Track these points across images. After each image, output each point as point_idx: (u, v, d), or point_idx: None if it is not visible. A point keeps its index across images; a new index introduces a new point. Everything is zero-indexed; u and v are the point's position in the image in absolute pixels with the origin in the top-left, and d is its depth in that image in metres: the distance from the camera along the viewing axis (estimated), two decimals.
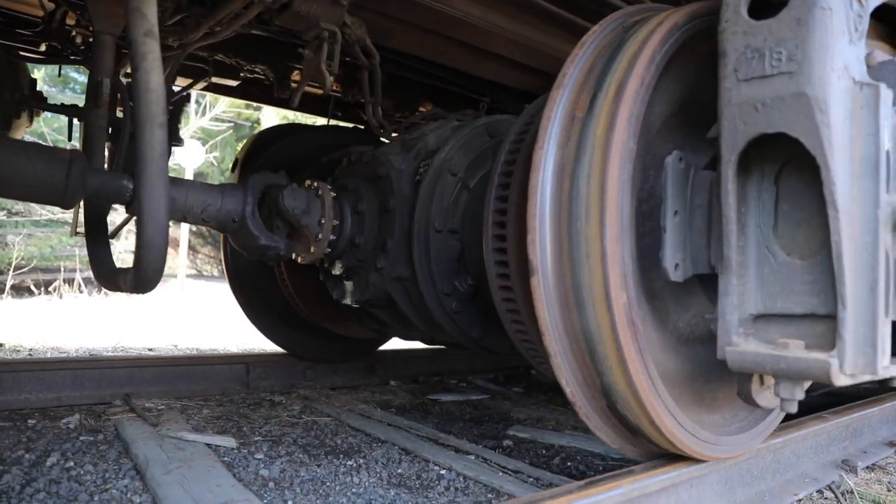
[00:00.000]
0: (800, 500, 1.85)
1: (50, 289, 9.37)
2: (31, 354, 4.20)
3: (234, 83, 3.78)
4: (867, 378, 1.22)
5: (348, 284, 2.36)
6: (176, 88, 3.68)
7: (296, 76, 3.74)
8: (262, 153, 3.37)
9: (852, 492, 1.93)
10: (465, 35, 2.61)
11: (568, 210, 1.39)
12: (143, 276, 1.61)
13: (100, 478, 1.77)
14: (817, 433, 2.05)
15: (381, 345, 3.61)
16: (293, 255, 2.33)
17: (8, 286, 9.31)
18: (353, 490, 1.78)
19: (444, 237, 2.10)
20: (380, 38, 2.65)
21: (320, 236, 2.19)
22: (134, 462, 1.91)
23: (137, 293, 1.73)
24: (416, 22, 2.48)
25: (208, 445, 2.06)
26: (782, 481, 1.88)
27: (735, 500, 1.70)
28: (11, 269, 10.15)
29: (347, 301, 2.37)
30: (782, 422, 1.89)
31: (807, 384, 1.32)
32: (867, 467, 2.21)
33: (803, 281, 1.31)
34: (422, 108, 3.72)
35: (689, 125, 1.63)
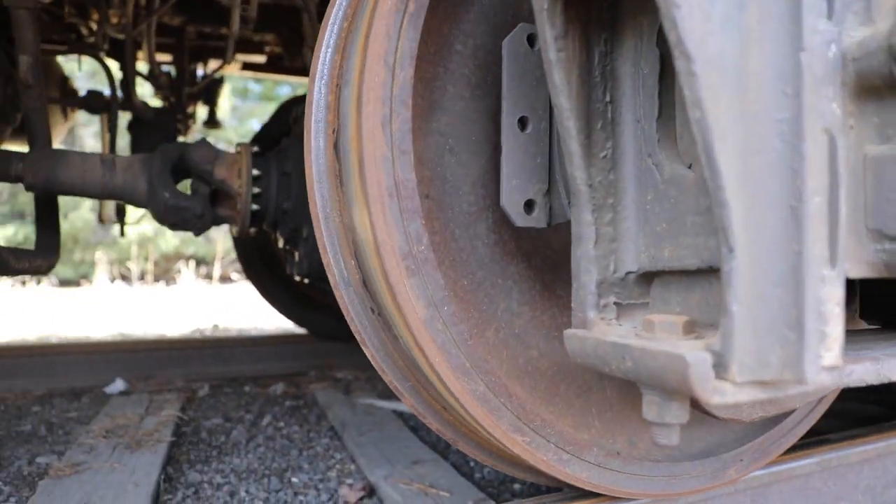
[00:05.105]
0: None
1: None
2: (240, 333, 4.84)
3: (261, 59, 3.67)
4: (795, 390, 0.62)
5: (296, 256, 2.08)
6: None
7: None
8: (272, 122, 3.22)
9: None
10: None
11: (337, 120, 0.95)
12: None
13: (305, 437, 2.06)
14: None
15: None
16: (232, 226, 2.09)
17: (216, 275, 10.78)
18: None
19: None
20: None
21: (240, 200, 1.92)
22: (331, 424, 2.18)
23: None
24: None
25: (394, 411, 2.23)
26: None
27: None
28: (218, 260, 11.66)
29: (296, 276, 2.08)
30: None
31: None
32: None
33: (697, 209, 0.72)
34: None
35: None
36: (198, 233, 2.00)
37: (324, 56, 1.00)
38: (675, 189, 0.75)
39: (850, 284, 1.10)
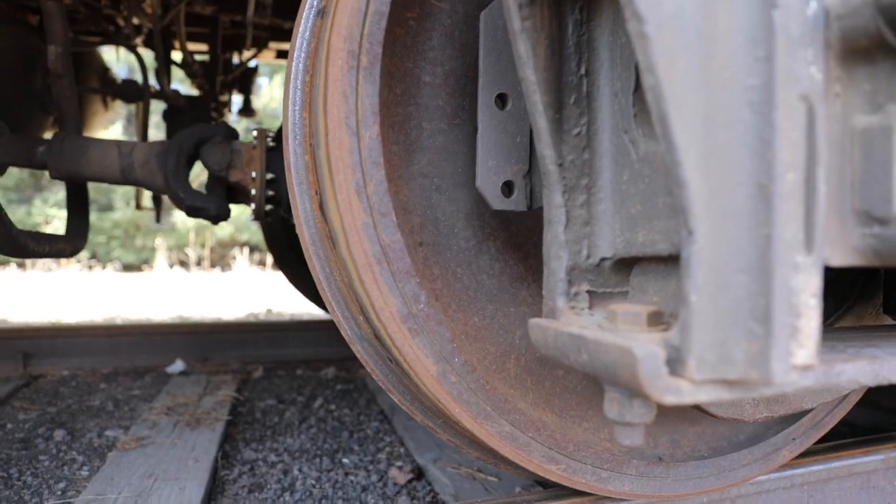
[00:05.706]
0: None
1: None
2: (292, 317, 5.06)
3: None
4: (761, 391, 0.56)
5: None
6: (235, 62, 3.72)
7: None
8: None
9: None
10: None
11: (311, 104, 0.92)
12: None
13: (355, 419, 2.12)
14: None
15: None
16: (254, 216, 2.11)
17: (269, 261, 11.22)
18: None
19: None
20: None
21: (255, 191, 1.94)
22: (381, 408, 2.23)
23: None
24: None
25: None
26: None
27: None
28: None
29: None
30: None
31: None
32: None
33: (668, 189, 0.66)
34: None
35: None
36: (215, 223, 2.03)
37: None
38: (648, 168, 0.69)
39: (875, 277, 1.00)
